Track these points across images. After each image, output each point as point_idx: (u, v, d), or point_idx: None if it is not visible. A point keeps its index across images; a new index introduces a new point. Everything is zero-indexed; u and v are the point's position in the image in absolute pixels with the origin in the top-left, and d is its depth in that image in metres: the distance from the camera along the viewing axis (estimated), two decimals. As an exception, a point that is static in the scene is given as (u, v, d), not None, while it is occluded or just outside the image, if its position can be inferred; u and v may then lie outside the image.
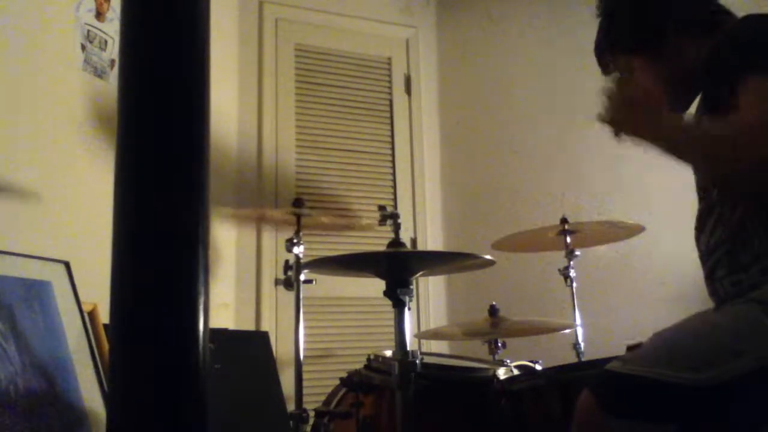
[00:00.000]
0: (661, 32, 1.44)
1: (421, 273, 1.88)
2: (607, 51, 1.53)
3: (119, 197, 0.53)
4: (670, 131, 1.26)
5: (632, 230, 2.48)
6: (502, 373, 1.75)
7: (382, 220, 1.93)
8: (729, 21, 1.42)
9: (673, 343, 1.23)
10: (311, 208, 2.28)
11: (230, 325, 3.01)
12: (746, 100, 1.17)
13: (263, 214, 2.62)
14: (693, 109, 1.45)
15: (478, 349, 2.49)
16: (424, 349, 3.08)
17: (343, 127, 3.48)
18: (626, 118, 1.27)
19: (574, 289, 2.49)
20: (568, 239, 2.49)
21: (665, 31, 1.43)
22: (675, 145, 1.24)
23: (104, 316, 2.18)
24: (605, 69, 1.54)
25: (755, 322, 1.17)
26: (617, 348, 1.39)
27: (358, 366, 1.84)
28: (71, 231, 2.30)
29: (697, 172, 1.38)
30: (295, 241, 2.28)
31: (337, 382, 1.88)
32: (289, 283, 2.27)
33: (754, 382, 1.12)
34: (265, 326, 3.10)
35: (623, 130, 1.27)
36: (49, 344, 1.94)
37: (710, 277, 1.34)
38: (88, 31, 2.49)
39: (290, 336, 2.34)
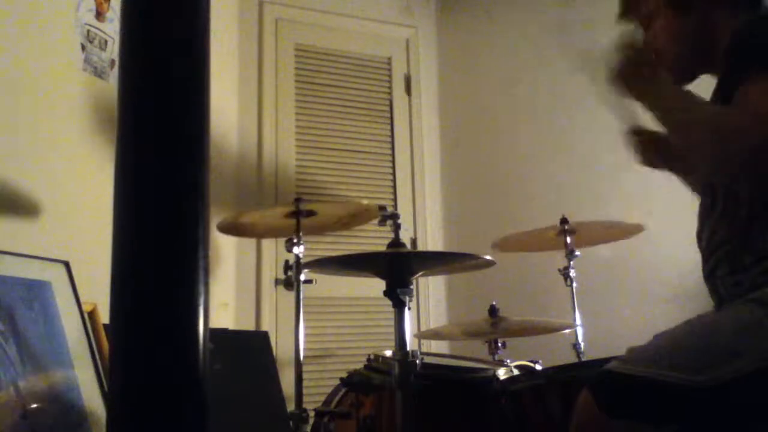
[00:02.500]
0: None
1: (421, 273, 1.88)
2: None
3: (119, 197, 0.53)
4: (673, 100, 1.25)
5: (632, 230, 2.48)
6: (502, 373, 1.75)
7: (382, 220, 1.93)
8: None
9: (672, 344, 1.23)
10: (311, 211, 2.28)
11: (230, 325, 3.01)
12: (756, 89, 1.15)
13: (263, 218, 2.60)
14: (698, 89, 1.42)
15: (478, 349, 2.49)
16: (424, 349, 3.08)
17: (343, 127, 3.48)
18: (632, 76, 1.25)
19: (574, 289, 2.49)
20: (568, 239, 2.49)
21: None
22: (676, 113, 1.23)
23: (104, 316, 2.18)
24: (629, 8, 1.48)
25: (755, 322, 1.16)
26: (617, 348, 1.38)
27: (358, 366, 1.84)
28: (71, 231, 2.30)
29: (686, 148, 1.32)
30: (295, 241, 2.28)
31: (337, 382, 1.88)
32: (289, 283, 2.26)
33: (754, 383, 1.12)
34: (265, 326, 3.10)
35: (627, 88, 1.26)
36: (49, 344, 1.94)
37: (711, 275, 1.32)
38: (88, 31, 2.49)
39: (290, 336, 2.33)
